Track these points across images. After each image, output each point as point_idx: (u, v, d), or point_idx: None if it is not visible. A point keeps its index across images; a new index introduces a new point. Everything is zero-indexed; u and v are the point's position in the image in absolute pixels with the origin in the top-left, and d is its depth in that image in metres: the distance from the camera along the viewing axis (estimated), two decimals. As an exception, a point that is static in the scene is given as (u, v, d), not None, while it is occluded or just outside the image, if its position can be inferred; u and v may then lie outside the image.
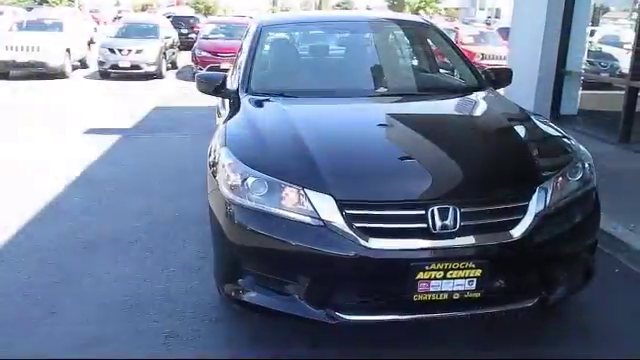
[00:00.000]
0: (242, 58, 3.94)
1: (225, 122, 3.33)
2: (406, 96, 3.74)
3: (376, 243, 2.39)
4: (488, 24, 40.16)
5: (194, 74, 14.16)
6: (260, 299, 2.64)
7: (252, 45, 3.92)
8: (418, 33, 4.53)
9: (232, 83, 3.85)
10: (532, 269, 2.59)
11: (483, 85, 3.81)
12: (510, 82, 4.01)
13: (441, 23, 34.20)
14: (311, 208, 2.47)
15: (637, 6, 5.78)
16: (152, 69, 14.19)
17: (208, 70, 13.78)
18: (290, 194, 2.53)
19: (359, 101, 3.60)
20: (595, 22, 7.72)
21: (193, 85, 4.02)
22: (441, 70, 4.58)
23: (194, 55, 14.49)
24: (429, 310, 2.50)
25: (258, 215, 2.57)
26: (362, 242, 2.39)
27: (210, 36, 15.64)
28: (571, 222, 2.66)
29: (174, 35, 17.41)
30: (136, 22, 17.13)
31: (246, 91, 3.58)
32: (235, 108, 3.48)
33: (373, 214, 2.45)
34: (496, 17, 54.25)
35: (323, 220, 2.44)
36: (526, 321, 2.86)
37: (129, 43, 14.20)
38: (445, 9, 50.28)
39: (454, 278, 2.43)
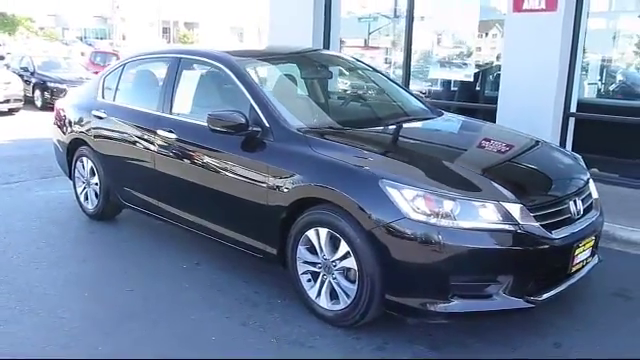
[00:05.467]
0: (247, 96, 3.80)
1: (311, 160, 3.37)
2: (426, 119, 4.27)
3: (556, 234, 3.10)
4: (90, 45, 39.71)
5: None
6: (466, 306, 3.00)
7: (249, 81, 3.88)
8: (356, 65, 5.06)
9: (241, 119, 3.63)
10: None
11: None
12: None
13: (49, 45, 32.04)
14: (509, 217, 2.98)
15: (405, 38, 7.42)
16: None
17: None
18: (485, 209, 2.98)
19: (406, 125, 4.06)
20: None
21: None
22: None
23: None
24: (574, 277, 3.31)
25: (459, 232, 2.93)
26: (550, 235, 3.06)
27: None
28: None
29: None
30: None
31: (289, 127, 3.60)
32: (293, 144, 3.50)
33: (547, 212, 3.12)
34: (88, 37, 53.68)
35: (520, 224, 2.99)
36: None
37: None
38: (41, 29, 46.63)
39: (585, 250, 3.32)
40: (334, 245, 3.26)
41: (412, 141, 3.88)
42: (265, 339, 3.22)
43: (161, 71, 4.53)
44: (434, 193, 2.97)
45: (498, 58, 7.59)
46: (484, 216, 2.97)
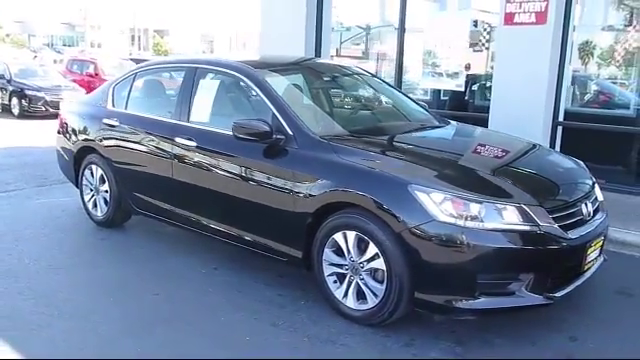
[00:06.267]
0: (268, 105, 3.94)
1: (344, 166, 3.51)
2: (436, 128, 4.48)
3: (572, 234, 3.31)
4: (59, 52, 39.19)
5: None
6: (491, 303, 3.19)
7: (270, 90, 4.02)
8: (362, 74, 5.24)
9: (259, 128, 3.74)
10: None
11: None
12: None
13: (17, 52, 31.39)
14: (530, 218, 3.18)
15: (397, 49, 7.66)
16: None
17: None
18: (508, 211, 3.17)
19: (421, 133, 4.27)
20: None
21: None
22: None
23: None
24: (584, 275, 3.52)
25: (485, 233, 3.12)
26: (566, 235, 3.27)
27: None
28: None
29: None
30: None
31: (313, 135, 3.75)
32: (319, 151, 3.64)
33: (563, 214, 3.34)
34: (56, 44, 52.89)
35: (540, 225, 3.20)
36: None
37: None
38: (7, 35, 45.71)
39: (595, 249, 3.55)
40: (361, 247, 3.41)
41: (431, 147, 4.05)
42: (297, 338, 3.35)
43: (176, 80, 4.63)
44: (462, 196, 3.16)
45: (467, 68, 7.87)
46: (507, 218, 3.16)
